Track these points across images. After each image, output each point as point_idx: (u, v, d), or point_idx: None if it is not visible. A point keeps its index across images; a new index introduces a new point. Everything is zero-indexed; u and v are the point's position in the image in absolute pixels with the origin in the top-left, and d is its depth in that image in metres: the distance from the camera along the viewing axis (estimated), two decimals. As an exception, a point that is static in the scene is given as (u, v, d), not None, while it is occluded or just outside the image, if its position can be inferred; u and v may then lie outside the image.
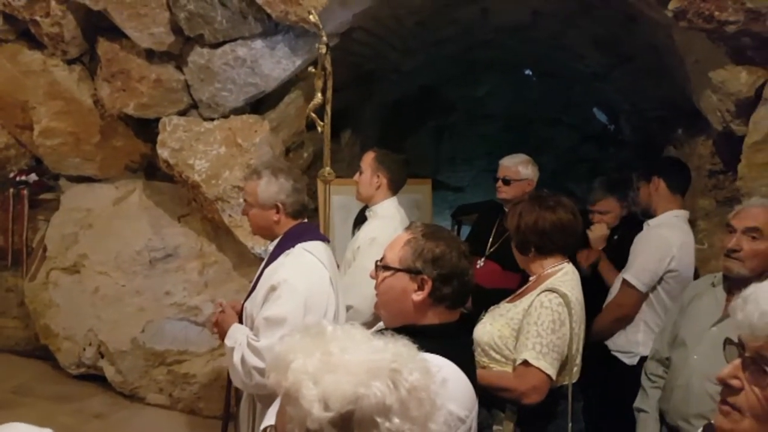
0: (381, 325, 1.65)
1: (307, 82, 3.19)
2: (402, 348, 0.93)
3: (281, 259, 2.14)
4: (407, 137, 5.79)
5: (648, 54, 3.24)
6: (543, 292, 1.98)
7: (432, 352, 1.36)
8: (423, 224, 1.62)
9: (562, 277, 2.05)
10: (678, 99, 3.18)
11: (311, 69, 2.69)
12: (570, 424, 2.06)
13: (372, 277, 1.62)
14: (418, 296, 1.49)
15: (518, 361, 1.93)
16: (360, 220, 3.05)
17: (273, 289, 2.04)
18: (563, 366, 1.97)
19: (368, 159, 2.84)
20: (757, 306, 0.91)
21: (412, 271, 1.50)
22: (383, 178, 2.80)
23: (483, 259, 3.26)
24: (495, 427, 2.00)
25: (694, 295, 2.24)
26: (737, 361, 0.93)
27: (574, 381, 2.06)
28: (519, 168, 3.16)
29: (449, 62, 4.70)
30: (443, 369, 1.34)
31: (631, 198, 3.19)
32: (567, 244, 2.13)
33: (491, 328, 2.04)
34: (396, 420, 0.83)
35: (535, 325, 1.92)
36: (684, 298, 2.33)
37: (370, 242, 2.64)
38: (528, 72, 5.00)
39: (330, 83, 2.64)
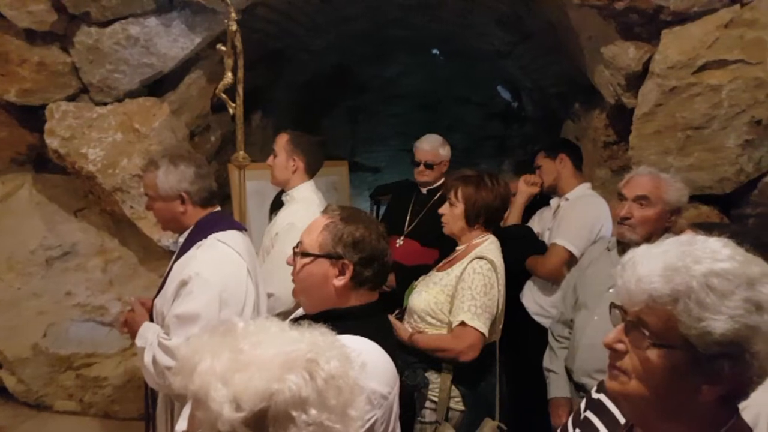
0: (301, 311, 1.64)
1: (209, 61, 3.06)
2: (319, 337, 0.91)
3: (192, 251, 2.02)
4: (322, 118, 5.72)
5: (547, 31, 3.35)
6: (474, 259, 2.16)
7: (354, 334, 1.41)
8: (340, 207, 1.61)
9: (489, 246, 2.26)
10: (575, 75, 3.32)
11: (220, 47, 2.56)
12: (497, 378, 2.24)
13: (289, 263, 1.59)
14: (339, 281, 1.49)
15: (455, 323, 2.11)
16: (276, 205, 2.97)
17: (184, 284, 1.93)
18: (492, 325, 2.15)
19: (282, 141, 2.76)
20: (634, 272, 0.94)
21: (332, 257, 1.49)
22: (299, 161, 2.73)
23: (402, 238, 3.31)
24: (432, 386, 2.16)
25: (591, 259, 2.40)
26: (621, 326, 0.97)
27: (497, 338, 2.26)
28: (439, 151, 3.29)
29: (360, 41, 4.66)
30: (365, 351, 1.38)
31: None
32: (501, 218, 2.42)
33: (426, 296, 2.22)
34: (313, 411, 0.82)
35: (469, 290, 2.10)
36: (582, 262, 2.49)
37: (289, 227, 2.59)
38: (435, 51, 5.05)
39: (241, 62, 2.54)
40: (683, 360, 0.89)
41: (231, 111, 2.60)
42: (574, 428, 1.24)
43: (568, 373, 2.36)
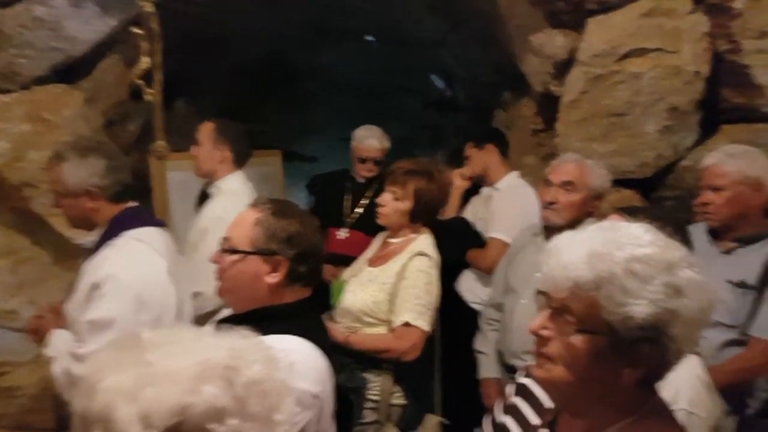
0: (230, 310, 1.58)
1: (126, 45, 2.86)
2: (239, 340, 0.86)
3: (105, 251, 1.88)
4: (256, 106, 5.56)
5: (477, 19, 3.36)
6: (416, 256, 2.11)
7: (286, 332, 1.36)
8: (270, 200, 1.53)
9: (426, 240, 2.21)
10: (505, 63, 3.34)
11: (134, 29, 2.42)
12: (437, 369, 2.26)
13: (215, 261, 1.49)
14: (273, 278, 1.42)
15: (397, 323, 2.06)
16: (203, 198, 2.85)
17: (96, 287, 1.79)
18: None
19: (207, 130, 2.65)
20: (559, 260, 0.95)
21: (266, 253, 1.41)
22: (226, 151, 2.63)
23: (346, 229, 3.26)
24: (372, 385, 2.11)
25: (520, 245, 2.44)
26: (546, 312, 0.97)
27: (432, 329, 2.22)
28: (385, 145, 3.30)
29: (295, 27, 4.55)
30: (295, 350, 1.34)
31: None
32: (439, 212, 2.36)
33: (363, 295, 2.14)
34: (233, 421, 0.76)
35: (412, 288, 2.07)
36: (512, 248, 2.53)
37: (217, 221, 2.44)
38: (370, 38, 5.00)
39: (158, 46, 2.40)
40: (606, 345, 0.91)
41: (148, 98, 2.46)
42: (502, 414, 1.25)
43: (500, 355, 2.40)
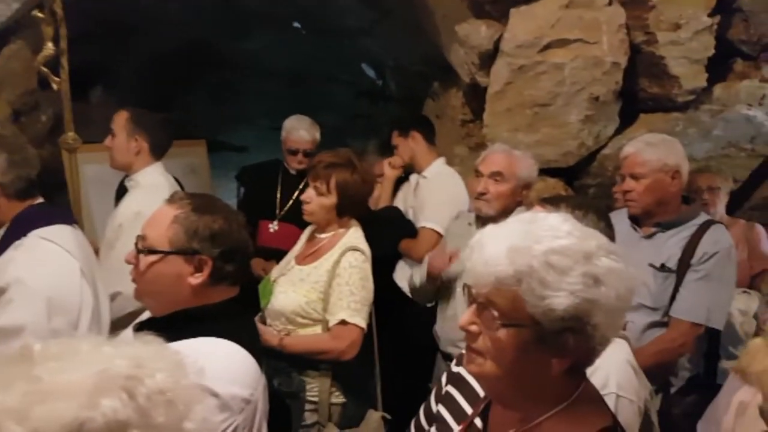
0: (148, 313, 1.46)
1: (34, 31, 2.66)
2: (141, 348, 0.80)
3: (10, 253, 1.72)
4: (180, 95, 5.33)
5: (405, 9, 3.34)
6: (347, 251, 2.03)
7: (212, 334, 1.28)
8: (190, 195, 1.42)
9: (356, 234, 2.13)
10: (433, 53, 3.35)
11: (36, 13, 2.23)
12: (378, 371, 2.19)
13: (129, 262, 1.38)
14: (196, 279, 1.32)
15: (333, 322, 1.98)
16: (122, 192, 2.69)
17: (2, 292, 1.64)
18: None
19: (121, 120, 2.48)
20: (482, 255, 0.94)
21: (188, 252, 1.31)
22: (142, 142, 2.48)
23: (276, 222, 3.18)
24: (310, 386, 2.03)
25: (453, 234, 2.45)
26: (473, 308, 0.97)
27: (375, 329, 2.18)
28: (316, 137, 3.21)
29: (218, 14, 4.38)
30: (221, 353, 1.27)
31: None
32: (367, 202, 2.28)
33: (295, 296, 2.04)
34: None
35: (347, 285, 1.99)
36: (446, 238, 2.54)
37: (135, 217, 2.30)
38: (297, 25, 4.89)
39: (63, 31, 2.22)
40: (531, 337, 0.91)
41: (54, 86, 2.29)
42: (436, 403, 1.25)
43: (436, 342, 2.41)
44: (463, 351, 1.09)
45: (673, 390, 2.20)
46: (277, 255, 2.92)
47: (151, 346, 0.82)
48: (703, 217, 2.15)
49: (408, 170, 3.15)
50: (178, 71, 4.93)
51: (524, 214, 1.04)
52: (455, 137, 3.30)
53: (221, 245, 1.33)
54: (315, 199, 2.12)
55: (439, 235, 2.74)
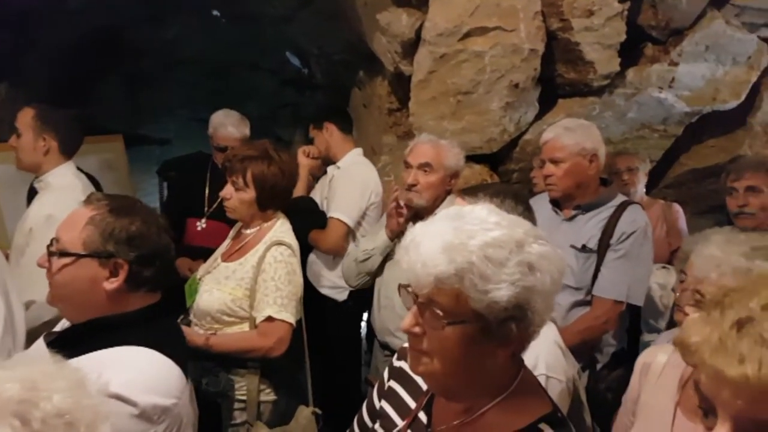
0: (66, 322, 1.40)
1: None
2: (38, 368, 0.75)
3: None
4: (92, 88, 5.04)
5: (325, -4, 3.27)
6: (272, 245, 1.98)
7: (130, 342, 1.23)
8: (107, 196, 1.37)
9: (282, 228, 2.08)
10: (357, 42, 3.30)
11: None
12: (308, 365, 2.14)
13: (42, 265, 1.32)
14: (111, 284, 1.27)
15: (260, 318, 1.93)
16: (34, 194, 2.53)
17: None
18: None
19: (26, 118, 2.34)
20: (418, 256, 0.94)
21: (102, 255, 1.26)
22: (51, 141, 2.35)
23: (204, 220, 3.06)
24: (239, 385, 1.99)
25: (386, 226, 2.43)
26: (414, 309, 0.97)
27: (299, 317, 2.12)
28: (245, 131, 3.09)
29: (128, 2, 4.14)
30: (141, 362, 1.22)
31: None
32: (290, 197, 2.20)
33: (220, 294, 1.98)
34: None
35: (272, 281, 1.94)
36: (378, 228, 2.52)
37: (46, 221, 2.17)
38: (216, 13, 4.71)
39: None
40: (476, 331, 0.92)
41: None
42: (379, 399, 1.23)
43: (372, 332, 2.41)
44: (405, 344, 1.08)
45: (599, 366, 2.28)
46: (205, 254, 2.81)
47: (47, 366, 0.78)
48: (620, 198, 2.24)
49: (328, 162, 3.10)
50: (91, 62, 4.65)
51: (449, 209, 1.03)
52: (383, 126, 3.28)
53: (138, 249, 1.29)
54: (234, 195, 2.07)
55: (347, 226, 2.74)
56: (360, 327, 3.11)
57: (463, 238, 0.92)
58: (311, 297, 2.79)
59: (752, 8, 2.90)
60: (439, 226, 0.96)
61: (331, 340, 2.80)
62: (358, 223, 2.81)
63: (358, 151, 2.98)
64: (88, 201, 1.34)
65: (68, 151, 2.44)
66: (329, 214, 2.79)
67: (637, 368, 1.52)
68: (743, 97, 3.03)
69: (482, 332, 0.92)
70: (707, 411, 0.57)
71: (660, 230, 2.98)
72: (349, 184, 2.81)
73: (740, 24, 2.93)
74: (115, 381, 1.11)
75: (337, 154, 2.96)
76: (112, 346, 1.22)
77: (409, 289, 0.97)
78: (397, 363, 1.23)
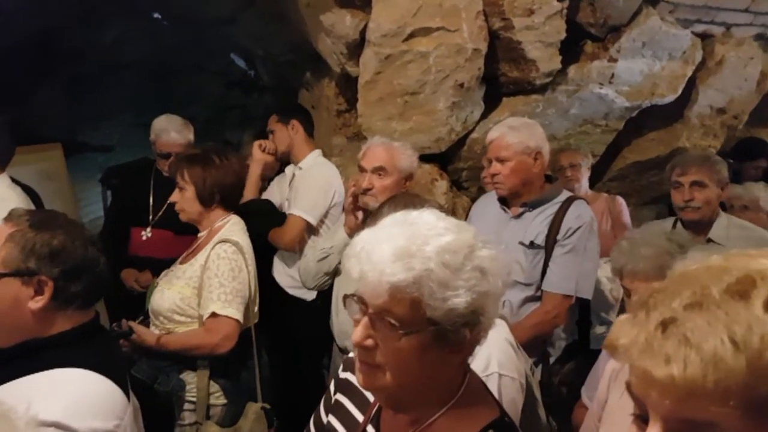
0: None
1: None
2: None
3: None
4: (27, 93, 4.81)
5: (268, -2, 3.21)
6: (217, 243, 2.01)
7: (64, 364, 1.18)
8: (29, 212, 1.32)
9: (232, 228, 2.11)
10: (302, 43, 3.26)
11: None
12: (257, 364, 2.13)
13: None
14: (37, 303, 1.22)
15: (206, 315, 1.95)
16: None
17: None
18: (246, 309, 2.03)
19: None
20: (372, 264, 0.90)
21: (23, 273, 1.21)
22: None
23: (149, 229, 2.96)
24: (189, 386, 1.99)
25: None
26: (365, 321, 0.93)
27: (256, 322, 2.14)
28: (189, 136, 3.00)
29: (62, 3, 3.96)
30: (75, 386, 1.17)
31: None
32: (240, 195, 2.24)
33: (170, 293, 2.01)
34: None
35: (216, 277, 1.96)
36: (336, 227, 2.50)
37: None
38: (157, 15, 4.56)
39: None
40: (432, 339, 0.90)
41: None
42: (326, 413, 1.20)
43: (332, 336, 2.39)
44: (351, 354, 1.06)
45: (552, 360, 2.33)
46: (152, 264, 2.75)
47: None
48: (565, 194, 2.28)
49: (282, 161, 3.04)
50: (24, 66, 4.44)
51: (395, 214, 1.01)
52: (332, 127, 3.25)
53: (63, 264, 1.24)
54: (179, 196, 2.13)
55: (307, 223, 2.72)
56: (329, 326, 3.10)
57: (419, 243, 0.90)
58: (279, 298, 2.78)
59: (685, 5, 3.01)
60: (390, 233, 0.93)
61: (300, 340, 2.79)
62: (322, 222, 2.78)
63: (319, 152, 2.93)
64: (8, 218, 1.29)
65: (1, 163, 2.34)
66: (289, 211, 2.76)
67: (606, 373, 1.54)
68: (680, 91, 3.14)
69: (437, 340, 0.91)
70: (641, 417, 0.57)
71: (605, 224, 3.06)
72: (313, 184, 2.78)
73: (674, 20, 3.03)
74: (51, 408, 1.07)
75: (299, 154, 2.90)
76: (44, 369, 1.17)
77: (356, 299, 0.93)
78: (343, 374, 1.21)
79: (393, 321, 0.89)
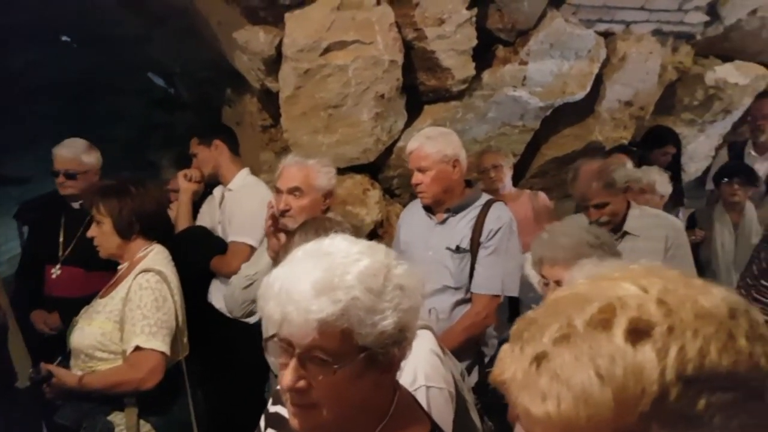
0: None
1: None
2: None
3: None
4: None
5: (179, 16, 3.15)
6: (139, 274, 1.93)
7: None
8: None
9: (155, 257, 2.03)
10: (218, 59, 3.21)
11: None
12: (190, 399, 2.04)
13: None
14: None
15: (129, 350, 1.86)
16: None
17: None
18: (174, 341, 1.95)
19: None
20: (294, 303, 0.88)
21: None
22: None
23: (59, 267, 2.79)
24: (118, 428, 1.90)
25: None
26: (294, 363, 0.90)
27: (186, 354, 2.05)
28: (82, 158, 2.80)
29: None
30: None
31: None
32: (162, 224, 2.16)
33: (90, 329, 1.92)
34: None
35: (138, 309, 1.88)
36: (259, 252, 2.46)
37: None
38: (66, 38, 4.38)
39: None
40: (365, 365, 0.90)
41: None
42: None
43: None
44: (278, 387, 1.04)
45: (487, 359, 2.38)
46: (63, 304, 2.59)
47: None
48: (485, 198, 2.35)
49: (210, 183, 2.97)
50: None
51: (306, 245, 1.00)
52: (258, 143, 3.22)
53: None
54: (97, 231, 2.05)
55: (251, 248, 2.66)
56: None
57: (339, 274, 0.89)
58: (218, 323, 2.70)
59: (586, 6, 3.15)
60: (306, 267, 0.91)
61: (241, 365, 2.71)
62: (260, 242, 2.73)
63: (247, 170, 2.85)
64: None
65: None
66: (230, 238, 2.68)
67: None
68: (589, 88, 3.29)
69: (369, 365, 0.90)
70: None
71: (530, 219, 3.17)
72: (247, 206, 2.69)
73: (578, 21, 3.17)
74: None
75: (227, 174, 2.81)
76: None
77: (280, 341, 0.91)
78: (272, 408, 1.18)
79: (324, 357, 0.88)
